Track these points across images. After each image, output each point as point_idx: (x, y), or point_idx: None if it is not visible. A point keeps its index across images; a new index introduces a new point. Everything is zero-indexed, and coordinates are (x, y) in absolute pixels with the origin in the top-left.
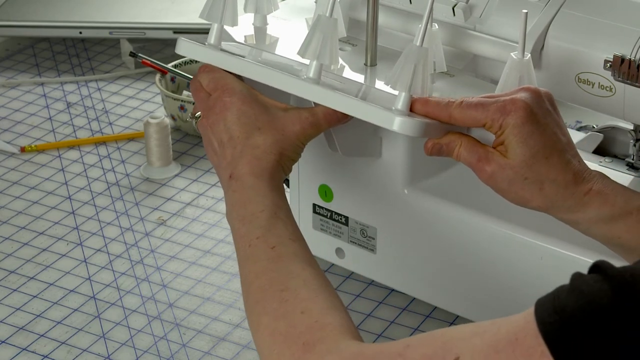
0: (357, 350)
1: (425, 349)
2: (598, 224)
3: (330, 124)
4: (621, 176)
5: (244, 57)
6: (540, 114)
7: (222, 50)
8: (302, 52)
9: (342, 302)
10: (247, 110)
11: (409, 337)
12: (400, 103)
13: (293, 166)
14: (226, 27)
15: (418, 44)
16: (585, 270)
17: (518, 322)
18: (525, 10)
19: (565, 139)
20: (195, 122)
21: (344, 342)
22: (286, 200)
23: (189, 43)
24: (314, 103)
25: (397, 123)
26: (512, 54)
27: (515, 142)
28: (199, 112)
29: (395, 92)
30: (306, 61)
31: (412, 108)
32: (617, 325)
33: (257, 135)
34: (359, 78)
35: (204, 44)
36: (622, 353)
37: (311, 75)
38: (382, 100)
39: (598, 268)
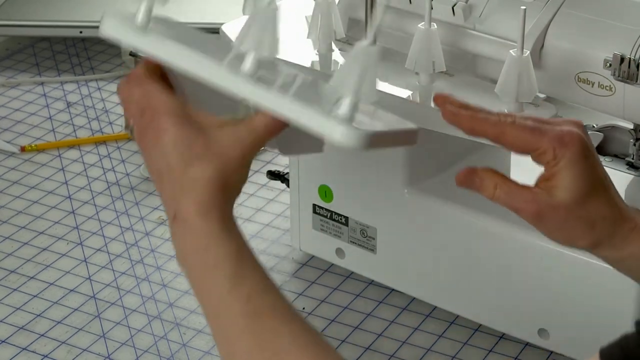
0: None
1: None
2: None
3: (273, 134)
4: (621, 176)
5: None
6: (591, 149)
7: (150, 32)
8: (239, 42)
9: (332, 347)
10: (182, 135)
11: None
12: (346, 108)
13: (290, 169)
14: (225, 30)
15: (367, 42)
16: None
17: None
18: (524, 7)
19: (608, 175)
20: (131, 133)
21: None
22: (242, 233)
23: (114, 23)
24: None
25: (340, 134)
26: (511, 51)
27: (571, 177)
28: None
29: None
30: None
31: (453, 121)
32: None
33: (196, 166)
34: None
35: (129, 24)
36: None
37: (247, 68)
38: (329, 100)
39: None
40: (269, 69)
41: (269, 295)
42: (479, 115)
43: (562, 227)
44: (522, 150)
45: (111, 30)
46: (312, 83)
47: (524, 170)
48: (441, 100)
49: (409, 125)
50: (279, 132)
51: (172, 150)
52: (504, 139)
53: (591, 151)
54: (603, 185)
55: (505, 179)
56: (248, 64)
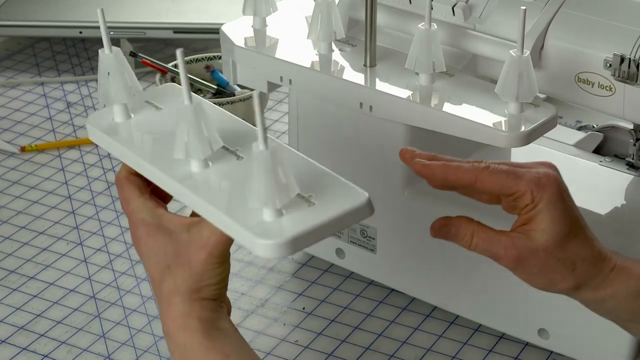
0: None
1: None
2: (626, 300)
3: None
4: (621, 176)
5: (137, 144)
6: (566, 190)
7: (113, 140)
8: (176, 153)
9: None
10: (154, 245)
11: None
12: (268, 215)
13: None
14: (225, 30)
15: (261, 147)
16: None
17: None
18: (524, 7)
19: (582, 216)
20: None
21: None
22: (230, 331)
23: (93, 129)
24: None
25: (261, 248)
26: (511, 51)
27: (550, 219)
28: None
29: None
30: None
31: (425, 173)
32: None
33: (168, 278)
34: (359, 79)
35: (102, 131)
36: None
37: (194, 171)
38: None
39: None
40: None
41: (247, 354)
42: (451, 163)
43: (543, 271)
44: (499, 194)
45: (94, 138)
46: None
47: None
48: (409, 156)
49: (355, 200)
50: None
51: (149, 259)
52: (480, 184)
53: (567, 192)
54: (580, 225)
55: (482, 226)
56: (194, 167)
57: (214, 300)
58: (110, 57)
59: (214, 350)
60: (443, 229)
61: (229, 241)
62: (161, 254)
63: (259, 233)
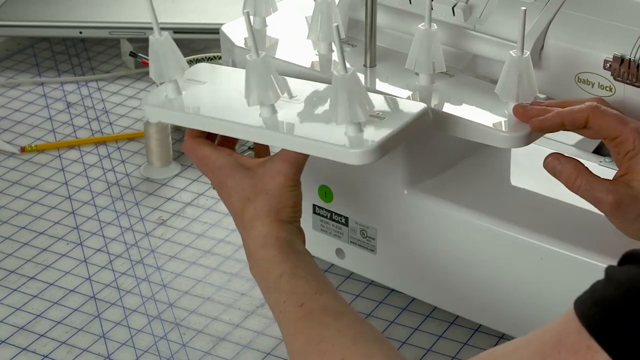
0: None
1: None
2: None
3: (305, 159)
4: None
5: (202, 103)
6: None
7: (180, 109)
8: (247, 100)
9: (388, 344)
10: (233, 184)
11: None
12: (351, 131)
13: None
14: (226, 31)
15: (342, 72)
16: (584, 271)
17: (559, 324)
18: (524, 8)
19: None
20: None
21: None
22: (301, 250)
23: (153, 108)
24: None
25: (353, 157)
26: (511, 51)
27: None
28: None
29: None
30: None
31: (547, 126)
32: None
33: (248, 206)
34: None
35: (163, 106)
36: None
37: (266, 117)
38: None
39: (630, 257)
40: (283, 106)
41: (320, 297)
42: (563, 110)
43: (639, 219)
44: (605, 135)
45: (153, 115)
46: (323, 114)
47: (524, 170)
48: (521, 113)
49: (417, 107)
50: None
51: (231, 198)
52: (591, 122)
53: None
54: None
55: (588, 169)
56: (265, 113)
57: (290, 223)
58: (161, 42)
59: (285, 262)
60: (552, 163)
61: (300, 167)
62: (240, 189)
63: (351, 145)
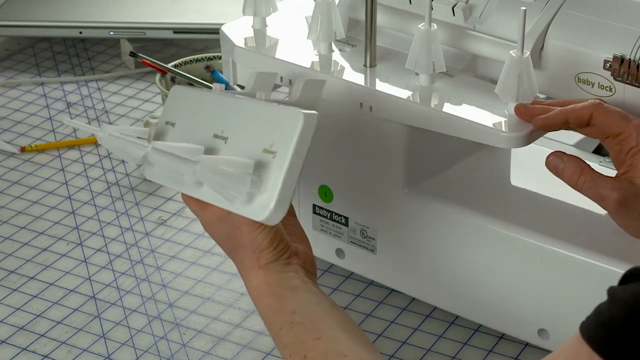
0: None
1: None
2: None
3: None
4: None
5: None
6: None
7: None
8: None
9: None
10: (219, 240)
11: None
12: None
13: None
14: (226, 31)
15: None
16: (584, 271)
17: (567, 350)
18: (524, 8)
19: None
20: None
21: None
22: (298, 287)
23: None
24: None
25: (265, 216)
26: (511, 52)
27: None
28: None
29: None
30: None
31: (550, 123)
32: None
33: (235, 260)
34: (359, 79)
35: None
36: None
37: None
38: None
39: (630, 276)
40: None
41: (319, 343)
42: (566, 108)
43: None
44: (608, 131)
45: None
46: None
47: (524, 170)
48: (523, 112)
49: (295, 118)
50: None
51: (222, 247)
52: (594, 119)
53: None
54: None
55: (590, 167)
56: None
57: (276, 261)
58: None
59: (281, 310)
60: (554, 162)
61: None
62: (224, 245)
63: (253, 213)
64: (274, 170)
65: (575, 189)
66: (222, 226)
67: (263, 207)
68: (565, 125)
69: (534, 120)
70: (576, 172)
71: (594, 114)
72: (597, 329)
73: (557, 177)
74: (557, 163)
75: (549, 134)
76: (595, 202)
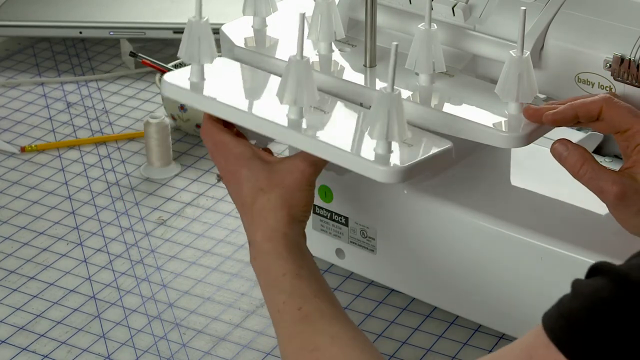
0: None
1: None
2: None
3: (325, 162)
4: None
5: (226, 92)
6: None
7: (203, 92)
8: (280, 98)
9: (378, 354)
10: (248, 173)
11: None
12: (380, 148)
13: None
14: (226, 31)
15: (389, 89)
16: (584, 271)
17: (529, 339)
18: (524, 8)
19: None
20: (218, 180)
21: None
22: (305, 252)
23: (173, 86)
24: None
25: (379, 174)
26: (511, 51)
27: None
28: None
29: None
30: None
31: (560, 118)
32: (622, 316)
33: (261, 197)
34: (359, 79)
35: (187, 88)
36: (632, 342)
37: (292, 118)
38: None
39: (595, 270)
40: (309, 114)
41: (318, 302)
42: (575, 102)
43: None
44: (616, 126)
45: (171, 92)
46: (353, 118)
47: (524, 170)
48: (531, 114)
49: (443, 144)
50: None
51: (243, 186)
52: (604, 113)
53: None
54: None
55: (594, 159)
56: (293, 114)
57: (300, 222)
58: (200, 24)
59: (290, 261)
60: (559, 149)
61: (319, 169)
62: (254, 180)
63: (378, 161)
64: (413, 151)
65: (576, 178)
66: (264, 166)
67: (395, 162)
68: (575, 119)
69: (544, 116)
70: (579, 162)
71: (603, 108)
72: (556, 320)
73: (560, 164)
74: (562, 150)
75: (549, 134)
76: (595, 194)
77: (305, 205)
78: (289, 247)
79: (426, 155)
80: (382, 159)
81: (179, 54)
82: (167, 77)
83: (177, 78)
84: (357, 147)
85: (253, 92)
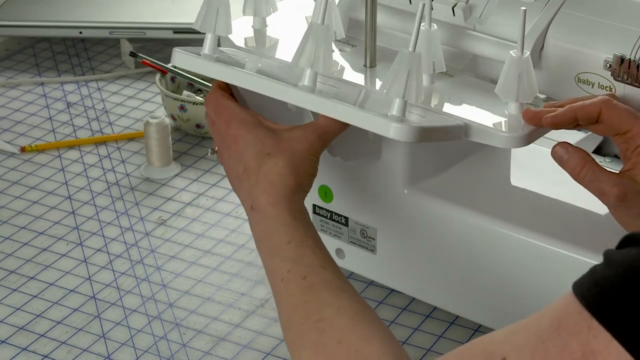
0: None
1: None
2: None
3: (335, 133)
4: None
5: (239, 66)
6: None
7: (217, 61)
8: (296, 60)
9: (384, 326)
10: (253, 139)
11: (442, 356)
12: (395, 109)
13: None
14: None
15: (410, 49)
16: (584, 271)
17: (557, 307)
18: (524, 8)
19: None
20: (217, 156)
21: None
22: (310, 222)
23: (184, 54)
24: (312, 113)
25: (393, 130)
26: (511, 51)
27: None
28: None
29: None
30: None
31: (559, 121)
32: None
33: (267, 161)
34: (359, 79)
35: (199, 55)
36: None
37: (306, 83)
38: (379, 104)
39: (629, 240)
40: (322, 81)
41: (324, 271)
42: (575, 104)
43: None
44: (616, 129)
45: (182, 61)
46: (364, 91)
47: (525, 170)
48: (530, 116)
49: (456, 122)
50: (340, 132)
51: (246, 152)
52: (603, 115)
53: None
54: None
55: (594, 161)
56: (307, 78)
57: (304, 192)
58: None
59: (295, 228)
60: (559, 152)
61: (327, 142)
62: (260, 145)
63: (394, 120)
64: (424, 120)
65: (576, 181)
66: (271, 132)
67: (409, 122)
68: (575, 122)
69: (544, 118)
70: (579, 164)
71: (602, 110)
72: (589, 287)
73: (561, 167)
74: (562, 153)
75: (549, 134)
76: (595, 196)
77: (311, 175)
78: (294, 214)
79: (439, 124)
80: (398, 118)
81: (194, 25)
82: (179, 48)
83: (189, 49)
84: (371, 108)
85: (267, 63)
